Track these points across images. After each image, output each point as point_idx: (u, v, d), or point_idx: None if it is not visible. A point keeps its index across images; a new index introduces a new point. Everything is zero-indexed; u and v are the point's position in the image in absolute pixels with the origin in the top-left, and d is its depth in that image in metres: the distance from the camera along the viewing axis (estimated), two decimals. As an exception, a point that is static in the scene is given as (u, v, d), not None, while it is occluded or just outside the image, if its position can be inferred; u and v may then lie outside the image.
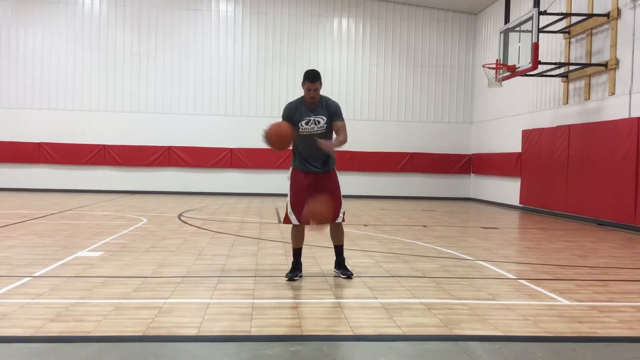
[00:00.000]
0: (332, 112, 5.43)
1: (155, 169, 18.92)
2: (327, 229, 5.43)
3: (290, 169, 5.60)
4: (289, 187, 5.53)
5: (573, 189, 12.75)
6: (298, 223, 5.47)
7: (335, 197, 5.42)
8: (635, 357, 3.62)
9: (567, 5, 13.24)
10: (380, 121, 19.39)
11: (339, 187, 5.56)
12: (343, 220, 5.56)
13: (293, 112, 5.43)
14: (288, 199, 5.51)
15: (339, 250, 5.71)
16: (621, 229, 10.98)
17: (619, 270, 6.51)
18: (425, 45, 19.68)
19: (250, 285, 5.22)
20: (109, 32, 18.87)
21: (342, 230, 5.70)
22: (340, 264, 5.68)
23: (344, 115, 5.54)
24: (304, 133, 5.38)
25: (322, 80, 5.45)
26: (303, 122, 5.37)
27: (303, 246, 5.72)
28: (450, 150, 19.64)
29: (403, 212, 14.03)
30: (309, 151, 5.42)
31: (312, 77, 5.33)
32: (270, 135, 4.99)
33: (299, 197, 5.43)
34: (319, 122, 5.39)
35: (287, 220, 5.51)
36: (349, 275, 5.54)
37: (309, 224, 5.12)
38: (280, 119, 5.36)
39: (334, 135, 5.48)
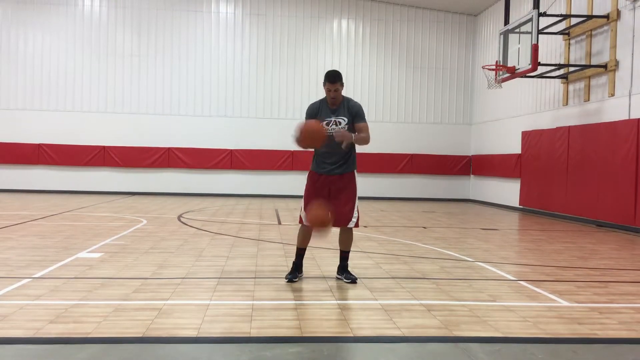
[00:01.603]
0: (354, 113, 5.38)
1: (155, 170, 18.92)
2: (328, 232, 5.23)
3: (309, 171, 5.58)
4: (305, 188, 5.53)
5: (573, 190, 12.75)
6: (309, 224, 5.47)
7: (349, 199, 5.38)
8: (635, 358, 3.61)
9: (566, 7, 13.26)
10: (380, 122, 19.38)
11: (354, 191, 5.44)
12: (356, 225, 5.45)
13: (315, 113, 5.39)
14: (303, 199, 5.52)
15: (344, 255, 5.61)
16: (621, 230, 10.98)
17: (619, 272, 6.51)
18: (425, 47, 19.69)
19: (250, 287, 5.21)
20: (109, 33, 18.88)
21: (352, 237, 5.58)
22: (343, 269, 5.59)
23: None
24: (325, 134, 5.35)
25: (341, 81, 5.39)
26: (324, 123, 5.32)
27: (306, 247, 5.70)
28: (450, 152, 19.65)
29: (403, 213, 14.03)
30: (327, 152, 5.36)
31: (332, 78, 5.28)
32: (302, 132, 4.95)
33: (312, 199, 5.41)
34: (340, 123, 5.33)
35: (300, 220, 5.52)
36: (352, 280, 5.46)
37: (312, 227, 5.10)
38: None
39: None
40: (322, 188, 5.40)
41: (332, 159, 5.37)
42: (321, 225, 4.98)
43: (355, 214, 5.41)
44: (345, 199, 5.38)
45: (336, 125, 5.33)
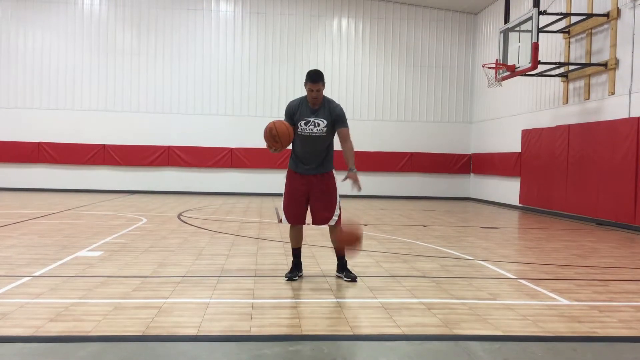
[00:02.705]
0: (336, 117, 5.31)
1: (155, 168, 18.91)
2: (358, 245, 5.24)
3: (287, 169, 5.57)
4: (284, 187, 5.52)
5: (573, 188, 12.75)
6: (288, 223, 5.47)
7: (329, 199, 5.37)
8: (635, 357, 3.62)
9: (566, 5, 13.24)
10: (380, 121, 19.39)
11: (334, 189, 5.42)
12: (337, 223, 5.42)
13: (294, 111, 5.35)
14: (283, 198, 5.52)
15: (340, 253, 5.59)
16: (621, 228, 10.98)
17: (619, 270, 6.52)
18: (425, 45, 19.68)
19: (250, 285, 5.21)
20: (109, 31, 18.87)
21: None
22: (342, 267, 5.58)
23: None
24: (302, 134, 5.32)
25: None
26: (302, 123, 5.29)
27: (302, 246, 5.71)
28: (450, 150, 19.64)
29: (403, 211, 14.03)
30: (305, 152, 5.37)
31: (314, 78, 5.21)
32: (266, 134, 5.04)
33: (290, 197, 5.42)
34: (318, 125, 5.29)
35: (280, 220, 5.51)
36: (352, 279, 5.45)
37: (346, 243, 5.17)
38: (281, 118, 5.34)
39: (335, 137, 5.45)
40: (300, 187, 5.39)
41: (309, 160, 5.36)
42: (354, 242, 5.11)
43: (336, 212, 5.40)
44: (325, 199, 5.35)
45: (315, 126, 5.29)
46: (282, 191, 5.54)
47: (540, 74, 13.54)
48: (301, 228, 5.59)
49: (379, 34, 19.53)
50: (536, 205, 14.56)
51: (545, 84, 14.59)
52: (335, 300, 4.77)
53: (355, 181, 5.14)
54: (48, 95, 18.67)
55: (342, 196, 5.56)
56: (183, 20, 19.04)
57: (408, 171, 19.47)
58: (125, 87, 18.88)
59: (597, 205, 11.81)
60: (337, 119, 5.32)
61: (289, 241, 5.70)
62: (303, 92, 5.44)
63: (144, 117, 18.86)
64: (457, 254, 7.38)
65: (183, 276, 5.54)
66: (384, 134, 19.27)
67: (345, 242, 5.16)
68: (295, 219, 5.44)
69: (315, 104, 5.32)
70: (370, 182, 19.11)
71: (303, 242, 5.72)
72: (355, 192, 5.21)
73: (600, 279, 5.92)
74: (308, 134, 5.31)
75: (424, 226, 10.75)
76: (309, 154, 5.35)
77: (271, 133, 5.04)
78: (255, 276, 5.63)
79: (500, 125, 17.33)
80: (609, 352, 3.68)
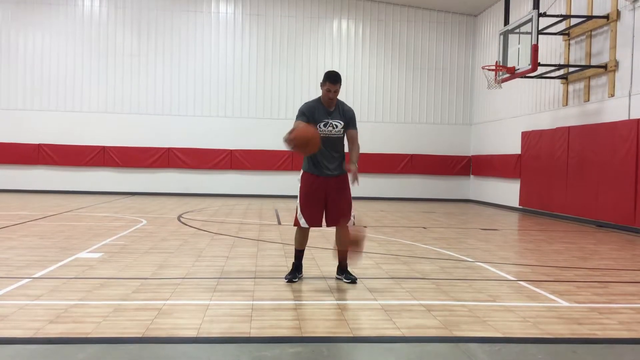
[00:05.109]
0: (349, 119, 5.43)
1: (155, 170, 18.91)
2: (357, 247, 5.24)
3: (301, 171, 5.54)
4: (299, 190, 5.49)
5: (573, 190, 12.75)
6: (307, 226, 5.43)
7: (346, 199, 5.45)
8: (635, 359, 3.61)
9: (566, 7, 13.26)
10: (380, 123, 19.39)
11: (350, 190, 5.51)
12: (353, 223, 5.49)
13: (312, 112, 5.35)
14: (298, 201, 5.47)
15: (342, 255, 5.59)
16: (621, 230, 10.98)
17: (619, 272, 6.51)
18: (425, 47, 19.69)
19: (250, 287, 5.21)
20: (109, 33, 18.88)
21: (349, 235, 5.59)
22: (342, 269, 5.59)
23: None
24: (322, 135, 5.29)
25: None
26: (321, 124, 5.32)
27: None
28: (450, 152, 19.64)
29: (403, 213, 14.03)
30: (323, 154, 5.34)
31: (333, 79, 5.29)
32: (298, 139, 4.84)
33: (309, 200, 5.38)
34: (336, 126, 5.36)
35: (297, 222, 5.44)
36: (352, 280, 5.46)
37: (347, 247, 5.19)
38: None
39: (345, 142, 5.50)
40: (319, 189, 5.39)
41: (330, 161, 5.38)
42: (307, 141, 4.89)
43: (353, 212, 5.49)
44: (344, 198, 5.43)
45: (333, 127, 5.35)
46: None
47: (540, 76, 13.55)
48: (308, 231, 5.57)
49: (378, 35, 19.54)
50: (536, 207, 14.56)
51: (545, 85, 14.60)
52: (335, 302, 4.77)
53: (355, 175, 5.22)
54: (48, 97, 18.68)
55: None
56: (183, 22, 19.06)
57: (408, 173, 19.47)
58: (125, 88, 18.89)
59: (597, 207, 11.81)
60: (350, 121, 5.45)
61: (292, 242, 5.69)
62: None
63: (144, 119, 18.87)
64: (457, 255, 7.38)
65: (183, 278, 5.54)
66: (384, 135, 19.28)
67: (349, 243, 5.17)
68: (314, 221, 5.41)
69: (331, 105, 5.39)
70: (370, 184, 19.10)
71: (306, 245, 5.71)
72: (354, 186, 5.35)
73: (600, 281, 5.92)
74: (327, 135, 5.33)
75: (424, 228, 10.75)
76: (330, 155, 5.37)
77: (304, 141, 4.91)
78: (255, 278, 5.63)
79: (500, 127, 17.34)
80: (609, 354, 3.68)
